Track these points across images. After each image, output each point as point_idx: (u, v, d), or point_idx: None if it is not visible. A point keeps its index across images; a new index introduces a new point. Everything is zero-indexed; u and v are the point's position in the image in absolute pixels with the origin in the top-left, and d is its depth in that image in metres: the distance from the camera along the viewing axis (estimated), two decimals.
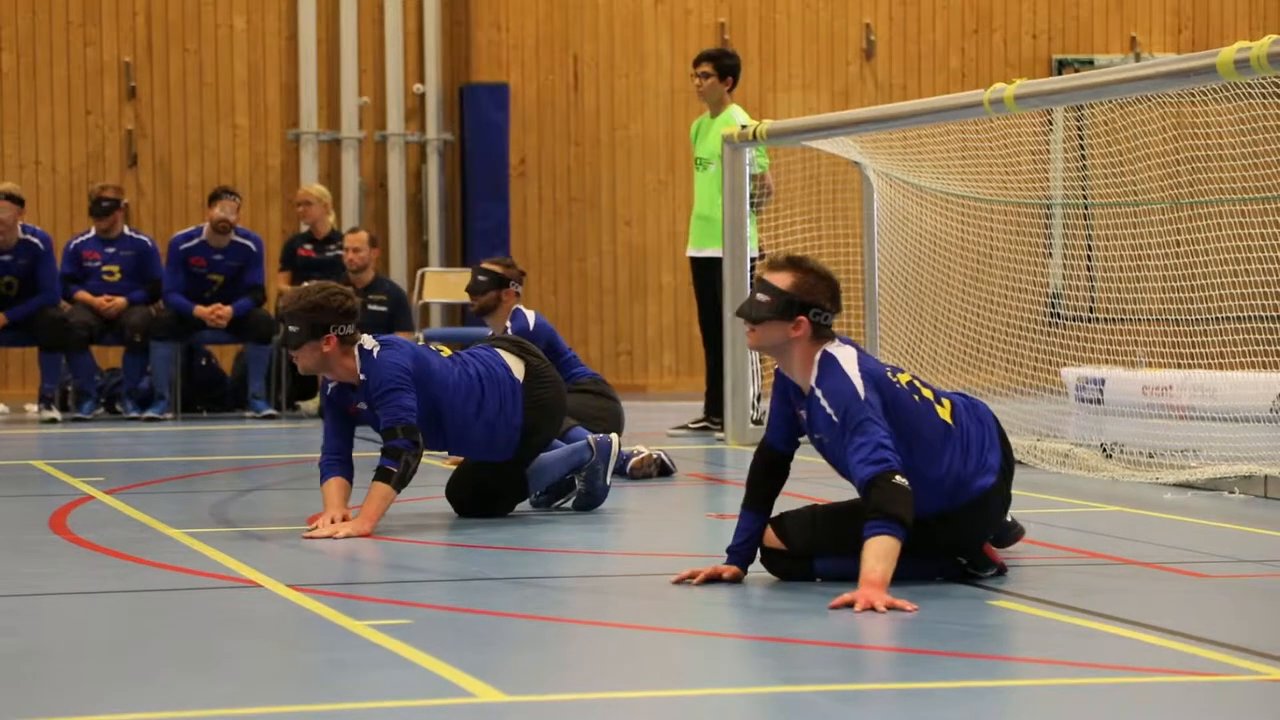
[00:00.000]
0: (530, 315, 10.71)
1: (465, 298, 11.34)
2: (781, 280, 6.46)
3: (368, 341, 8.12)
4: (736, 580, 6.56)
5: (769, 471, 6.66)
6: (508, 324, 10.61)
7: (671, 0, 18.60)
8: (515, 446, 8.51)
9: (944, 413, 6.52)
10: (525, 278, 10.97)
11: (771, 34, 18.77)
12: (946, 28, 19.07)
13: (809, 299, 6.44)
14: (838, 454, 6.44)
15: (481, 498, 8.61)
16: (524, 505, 8.81)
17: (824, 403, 6.35)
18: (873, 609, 5.98)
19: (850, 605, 6.02)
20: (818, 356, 6.42)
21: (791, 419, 6.58)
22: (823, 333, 6.46)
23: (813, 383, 6.41)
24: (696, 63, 13.50)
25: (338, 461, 8.09)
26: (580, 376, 10.76)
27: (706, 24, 18.62)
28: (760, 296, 6.46)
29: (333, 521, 7.87)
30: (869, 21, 18.89)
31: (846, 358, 6.41)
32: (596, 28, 18.47)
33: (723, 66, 13.35)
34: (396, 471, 7.95)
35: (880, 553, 6.12)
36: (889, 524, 6.16)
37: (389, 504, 8.00)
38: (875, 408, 6.33)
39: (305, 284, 8.33)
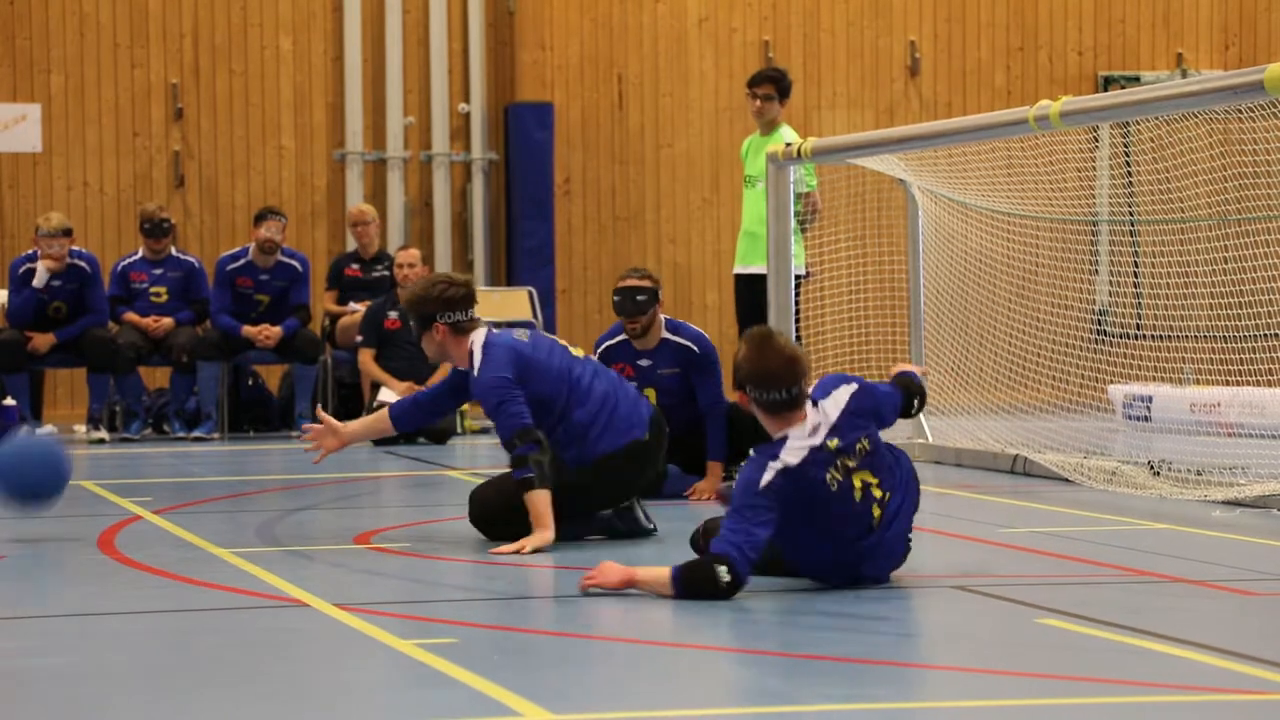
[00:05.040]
0: (701, 332, 10.27)
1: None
2: None
3: (477, 351, 8.14)
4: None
5: None
6: (663, 333, 10.11)
7: (716, 19, 18.61)
8: (595, 460, 8.31)
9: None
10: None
11: (816, 52, 18.77)
12: (992, 45, 19.04)
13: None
14: None
15: (511, 522, 8.20)
16: None
17: None
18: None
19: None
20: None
21: None
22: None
23: None
24: (757, 83, 13.26)
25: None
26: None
27: (751, 42, 18.63)
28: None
29: None
30: (914, 39, 18.88)
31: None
32: (641, 47, 18.49)
33: (783, 88, 13.28)
34: (534, 475, 7.99)
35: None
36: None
37: (548, 502, 7.96)
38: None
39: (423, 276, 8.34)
